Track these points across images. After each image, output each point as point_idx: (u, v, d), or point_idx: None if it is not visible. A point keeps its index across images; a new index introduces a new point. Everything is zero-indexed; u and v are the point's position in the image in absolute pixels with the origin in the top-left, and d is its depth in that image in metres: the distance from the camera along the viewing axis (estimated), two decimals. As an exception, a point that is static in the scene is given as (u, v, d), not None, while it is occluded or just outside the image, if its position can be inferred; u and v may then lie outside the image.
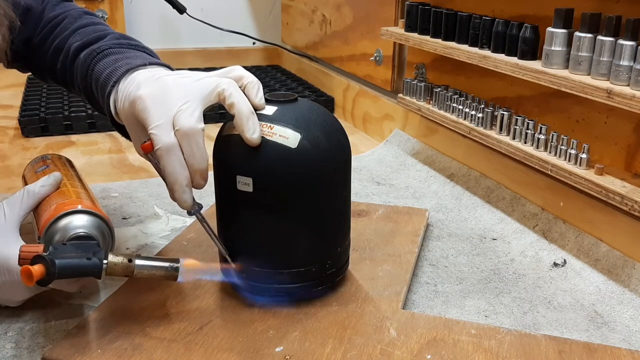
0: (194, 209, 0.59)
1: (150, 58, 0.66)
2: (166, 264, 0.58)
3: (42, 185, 0.65)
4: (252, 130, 0.56)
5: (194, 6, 1.70)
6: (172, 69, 0.66)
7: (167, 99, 0.57)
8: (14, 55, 0.77)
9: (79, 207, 0.61)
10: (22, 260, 0.55)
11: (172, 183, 0.56)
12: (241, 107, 0.56)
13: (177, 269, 0.59)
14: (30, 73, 0.83)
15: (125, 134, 0.67)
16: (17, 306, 0.63)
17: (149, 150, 0.57)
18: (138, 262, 0.57)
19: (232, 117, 0.58)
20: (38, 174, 0.71)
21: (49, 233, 0.59)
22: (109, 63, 0.65)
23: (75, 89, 0.73)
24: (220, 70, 0.62)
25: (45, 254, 0.54)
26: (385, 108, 1.27)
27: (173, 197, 0.58)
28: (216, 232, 0.62)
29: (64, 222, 0.60)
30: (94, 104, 0.71)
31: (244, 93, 0.59)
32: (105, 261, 0.55)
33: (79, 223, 0.60)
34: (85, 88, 0.69)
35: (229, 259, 0.61)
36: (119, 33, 0.73)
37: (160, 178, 0.60)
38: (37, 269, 0.52)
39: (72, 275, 0.55)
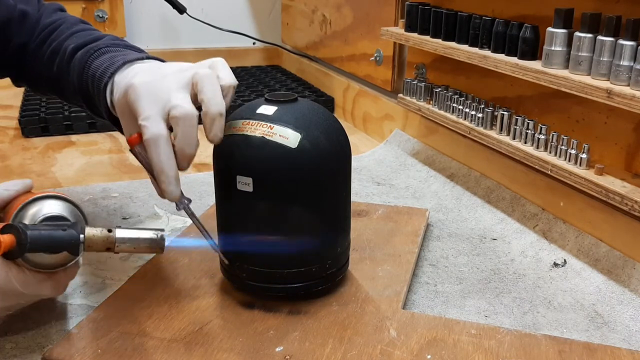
0: (182, 202, 0.58)
1: (147, 54, 0.67)
2: (151, 233, 0.55)
3: (5, 188, 0.58)
4: (213, 133, 0.55)
5: (194, 6, 1.71)
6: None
7: (159, 90, 0.56)
8: (7, 61, 0.77)
9: (47, 194, 0.56)
10: None
11: (159, 173, 0.55)
12: (209, 106, 0.55)
13: (163, 238, 0.56)
14: (23, 86, 0.83)
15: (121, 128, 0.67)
16: (14, 311, 0.62)
17: (135, 143, 0.56)
18: (119, 233, 0.54)
19: (232, 117, 0.58)
20: None
21: (17, 219, 0.55)
22: (106, 59, 0.66)
23: (70, 89, 0.73)
24: (203, 61, 0.61)
25: (16, 224, 0.51)
26: (385, 108, 1.27)
27: (160, 189, 0.57)
28: (216, 233, 0.62)
29: (33, 208, 0.55)
30: (89, 103, 0.71)
31: None
32: (82, 235, 0.53)
33: (49, 207, 0.55)
34: (81, 85, 0.69)
35: (220, 254, 0.61)
36: (115, 36, 0.74)
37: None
38: (7, 238, 0.49)
39: (46, 249, 0.52)
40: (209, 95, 0.55)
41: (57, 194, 0.57)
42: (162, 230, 0.56)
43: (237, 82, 0.58)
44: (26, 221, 0.54)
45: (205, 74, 0.56)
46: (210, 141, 0.56)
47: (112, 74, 0.63)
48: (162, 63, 0.64)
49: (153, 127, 0.55)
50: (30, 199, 0.55)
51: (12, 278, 0.54)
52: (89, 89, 0.68)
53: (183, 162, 0.56)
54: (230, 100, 0.58)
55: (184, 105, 0.55)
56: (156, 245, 0.56)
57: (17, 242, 0.50)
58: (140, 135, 0.56)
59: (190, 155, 0.56)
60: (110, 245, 0.54)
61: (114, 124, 0.68)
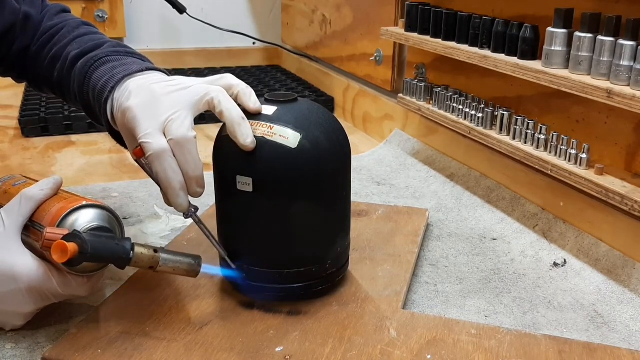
0: (189, 211, 0.59)
1: (147, 63, 0.67)
2: (191, 259, 0.59)
3: (41, 189, 0.59)
4: (244, 136, 0.56)
5: (194, 6, 1.70)
6: (167, 74, 0.65)
7: (156, 108, 0.57)
8: (10, 63, 0.77)
9: (86, 203, 0.58)
10: (46, 242, 0.52)
11: (166, 188, 0.56)
12: (231, 114, 0.56)
13: (200, 265, 0.59)
14: (26, 82, 0.83)
15: (120, 142, 0.67)
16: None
17: (140, 156, 0.57)
18: (163, 254, 0.57)
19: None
20: (18, 187, 0.64)
21: (63, 225, 0.56)
22: (106, 71, 0.65)
23: (71, 97, 0.72)
24: (209, 77, 0.61)
25: (77, 232, 0.53)
26: (385, 108, 1.27)
27: (167, 201, 0.58)
28: (216, 233, 0.62)
29: (75, 216, 0.56)
30: (89, 112, 0.70)
31: (239, 100, 0.59)
32: (132, 252, 0.55)
33: (91, 216, 0.57)
34: (82, 96, 0.69)
35: (227, 259, 0.61)
36: (116, 42, 0.73)
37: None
38: (71, 246, 0.51)
39: (102, 259, 0.55)
40: (225, 106, 0.57)
41: (96, 202, 0.59)
42: (200, 257, 0.60)
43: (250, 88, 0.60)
44: (70, 228, 0.56)
45: (217, 89, 0.58)
46: (244, 147, 0.56)
47: (112, 89, 0.63)
48: (159, 77, 0.63)
49: (153, 143, 0.55)
50: (76, 206, 0.57)
51: (54, 280, 0.56)
52: (90, 100, 0.67)
53: (191, 184, 0.57)
54: (256, 100, 0.59)
55: (179, 129, 0.56)
56: (192, 270, 0.59)
57: (79, 250, 0.52)
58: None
59: (195, 176, 0.57)
60: (153, 265, 0.57)
61: (114, 137, 0.68)
